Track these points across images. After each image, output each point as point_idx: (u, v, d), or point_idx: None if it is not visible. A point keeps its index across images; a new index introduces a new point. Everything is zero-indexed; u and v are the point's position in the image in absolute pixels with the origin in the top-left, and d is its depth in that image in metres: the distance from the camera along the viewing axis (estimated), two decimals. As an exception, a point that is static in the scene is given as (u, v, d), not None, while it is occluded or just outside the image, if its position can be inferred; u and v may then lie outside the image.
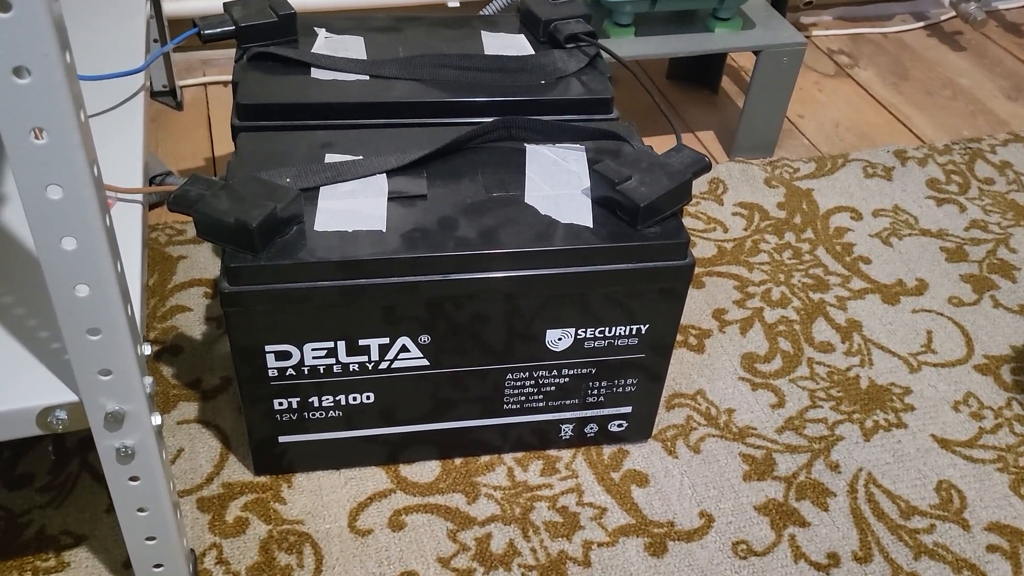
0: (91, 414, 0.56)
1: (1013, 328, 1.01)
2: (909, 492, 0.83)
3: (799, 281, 1.05)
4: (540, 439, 0.83)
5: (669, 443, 0.86)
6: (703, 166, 0.75)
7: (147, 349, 0.58)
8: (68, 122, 0.45)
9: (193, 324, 0.94)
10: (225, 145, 1.21)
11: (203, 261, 1.01)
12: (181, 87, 1.30)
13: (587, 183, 0.76)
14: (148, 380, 0.57)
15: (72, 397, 0.56)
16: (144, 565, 0.66)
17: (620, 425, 0.84)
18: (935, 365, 0.96)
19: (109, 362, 0.54)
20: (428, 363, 0.75)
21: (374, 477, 0.81)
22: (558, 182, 0.76)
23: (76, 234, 0.48)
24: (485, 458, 0.83)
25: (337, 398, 0.75)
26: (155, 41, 1.17)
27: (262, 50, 0.87)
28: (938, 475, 0.85)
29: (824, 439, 0.87)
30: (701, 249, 1.09)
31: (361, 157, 0.76)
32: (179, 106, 1.28)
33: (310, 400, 0.75)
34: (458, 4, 1.34)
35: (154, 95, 1.27)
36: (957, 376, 0.95)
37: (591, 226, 0.72)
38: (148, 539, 0.65)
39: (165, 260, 1.01)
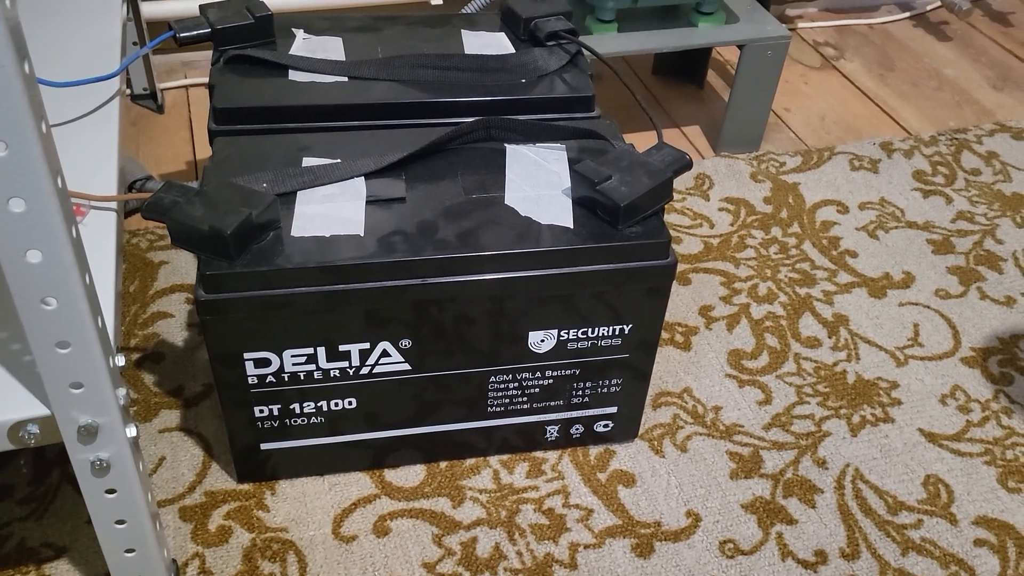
0: (63, 428, 0.55)
1: (1000, 320, 1.00)
2: (896, 487, 0.82)
3: (785, 276, 1.04)
4: (525, 441, 0.83)
5: (656, 442, 0.85)
6: (684, 164, 0.75)
7: (121, 360, 0.58)
8: (28, 134, 0.44)
9: (175, 330, 0.93)
10: (207, 148, 1.20)
11: (185, 267, 1.00)
12: (162, 90, 1.29)
13: (568, 183, 0.75)
14: (121, 392, 0.57)
15: (44, 411, 0.55)
16: (124, 577, 0.66)
17: (606, 425, 0.83)
18: (922, 358, 0.95)
19: (80, 375, 0.53)
20: (410, 367, 0.74)
21: (358, 483, 0.80)
22: (539, 183, 0.76)
23: (41, 247, 0.48)
24: (470, 461, 0.83)
25: (319, 404, 0.75)
26: (134, 44, 1.16)
27: (239, 52, 0.86)
28: (925, 469, 0.84)
29: (811, 435, 0.87)
30: (687, 245, 1.08)
31: (339, 160, 0.76)
32: (160, 109, 1.27)
33: (291, 407, 0.74)
34: (441, 2, 1.33)
35: (135, 98, 1.26)
36: (944, 369, 0.94)
37: (572, 227, 0.71)
38: (127, 551, 0.64)
39: (146, 266, 1.00)
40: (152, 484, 0.78)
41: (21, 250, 0.47)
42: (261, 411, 0.74)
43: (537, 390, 0.78)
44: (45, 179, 0.45)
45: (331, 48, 0.89)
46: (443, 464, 0.82)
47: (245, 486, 0.79)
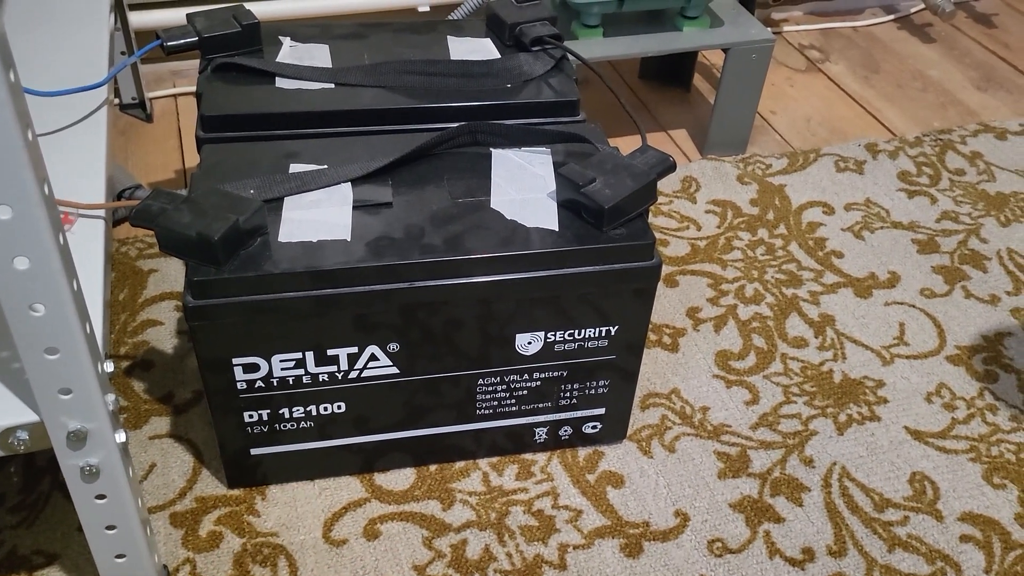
0: (53, 434, 0.56)
1: (984, 318, 1.01)
2: (883, 485, 0.83)
3: (772, 277, 1.05)
4: (515, 443, 0.83)
5: (644, 443, 0.86)
6: (667, 166, 0.75)
7: (109, 366, 0.58)
8: (14, 142, 0.44)
9: (164, 338, 0.93)
10: (196, 156, 1.21)
11: (173, 274, 1.01)
12: (150, 99, 1.29)
13: (553, 186, 0.76)
14: (110, 398, 0.57)
15: (33, 417, 0.55)
16: (115, 583, 0.66)
17: (594, 427, 0.84)
18: (908, 357, 0.96)
19: (69, 381, 0.54)
20: (398, 371, 0.74)
21: (349, 486, 0.81)
22: (524, 186, 0.76)
23: (28, 253, 0.48)
24: (460, 464, 0.83)
25: (308, 409, 0.75)
26: (122, 53, 1.17)
27: (226, 60, 0.87)
28: (911, 467, 0.85)
29: (798, 434, 0.87)
30: (674, 247, 1.09)
31: (326, 166, 0.76)
32: (149, 118, 1.27)
33: (281, 411, 0.75)
34: (428, 8, 1.34)
35: (123, 107, 1.26)
36: (929, 367, 0.95)
37: (557, 229, 0.72)
38: (118, 557, 0.64)
39: (136, 274, 1.01)
40: (143, 490, 0.78)
41: (8, 257, 0.48)
42: (250, 416, 0.74)
43: (525, 392, 0.79)
44: (31, 186, 0.46)
45: (318, 55, 0.90)
46: (433, 467, 0.83)
47: (235, 491, 0.80)
